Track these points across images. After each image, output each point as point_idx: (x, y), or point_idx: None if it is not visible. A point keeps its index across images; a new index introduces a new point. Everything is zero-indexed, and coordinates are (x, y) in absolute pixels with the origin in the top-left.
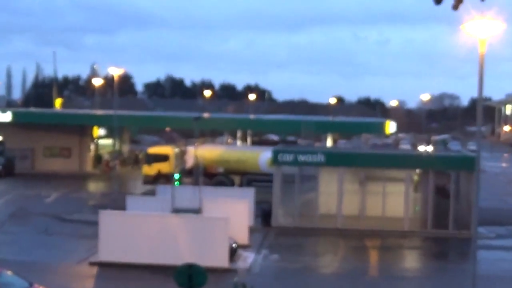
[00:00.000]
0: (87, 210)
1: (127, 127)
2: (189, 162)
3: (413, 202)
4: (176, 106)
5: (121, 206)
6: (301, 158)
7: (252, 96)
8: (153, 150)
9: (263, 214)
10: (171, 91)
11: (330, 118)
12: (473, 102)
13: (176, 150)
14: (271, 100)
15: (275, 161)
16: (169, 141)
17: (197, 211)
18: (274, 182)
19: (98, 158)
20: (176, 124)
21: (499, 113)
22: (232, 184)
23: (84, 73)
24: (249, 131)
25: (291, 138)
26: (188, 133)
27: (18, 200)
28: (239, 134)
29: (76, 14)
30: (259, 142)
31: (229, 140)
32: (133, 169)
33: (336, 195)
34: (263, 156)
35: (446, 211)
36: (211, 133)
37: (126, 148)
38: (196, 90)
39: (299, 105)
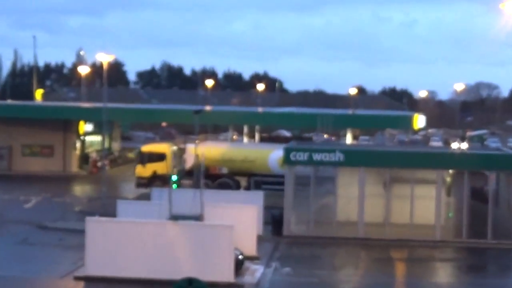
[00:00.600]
0: (72, 217)
1: (117, 122)
2: (189, 161)
3: (445, 208)
4: (173, 97)
5: (111, 212)
6: (317, 157)
7: (260, 86)
8: (148, 148)
9: (274, 221)
10: (168, 80)
11: (350, 111)
12: None
13: (174, 148)
14: (283, 91)
15: (287, 160)
16: (165, 137)
17: (198, 218)
18: (286, 184)
19: (84, 157)
20: (173, 118)
21: None
22: (237, 187)
23: (68, 60)
24: (257, 126)
25: (305, 134)
26: (188, 129)
27: None
28: (245, 129)
29: None
30: (269, 138)
31: (234, 137)
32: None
33: (357, 200)
34: (273, 155)
35: (483, 217)
36: (214, 129)
37: (116, 146)
38: (196, 79)
39: (314, 96)
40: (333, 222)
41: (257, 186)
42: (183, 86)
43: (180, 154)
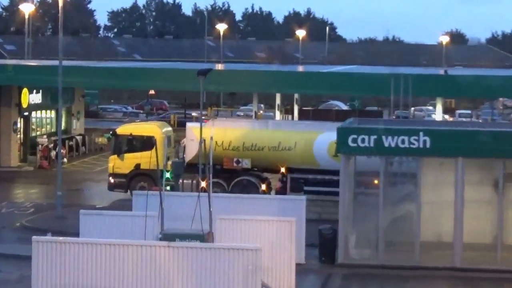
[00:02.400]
0: (11, 236)
1: (80, 89)
2: (190, 150)
3: None
4: (166, 51)
5: (71, 229)
6: (390, 142)
7: (300, 32)
8: (127, 129)
9: (323, 243)
10: (158, 24)
11: (441, 71)
12: None
13: (167, 129)
14: (336, 39)
15: (343, 148)
16: (154, 113)
17: (204, 237)
18: (342, 185)
19: (30, 144)
20: (166, 83)
21: None
22: (266, 189)
23: None
24: (297, 95)
25: (370, 107)
26: (189, 99)
27: None
28: (278, 100)
29: None
30: (315, 114)
31: (261, 112)
32: None
33: (453, 209)
34: (322, 140)
35: None
36: (229, 99)
37: (79, 126)
38: (202, 22)
39: (384, 48)
40: (415, 244)
41: (297, 187)
42: (181, 33)
43: (176, 138)
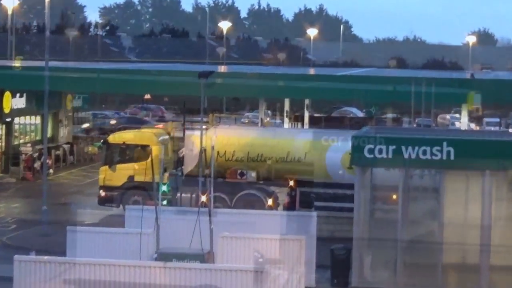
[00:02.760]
0: None
1: (68, 93)
2: (190, 160)
3: None
4: (164, 51)
5: (57, 247)
6: (410, 153)
7: (312, 31)
8: (120, 137)
9: (335, 263)
10: (155, 22)
11: (467, 74)
12: None
13: (164, 137)
14: (351, 39)
15: (357, 159)
16: (149, 120)
17: (204, 257)
18: (357, 200)
19: (13, 153)
20: (163, 87)
21: None
22: (273, 204)
23: None
24: (308, 101)
25: (388, 114)
26: (189, 105)
27: None
28: (287, 106)
29: None
30: (327, 121)
31: (267, 119)
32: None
33: (479, 228)
34: (334, 150)
35: None
36: (233, 105)
37: (66, 134)
38: (202, 18)
39: (405, 48)
40: (437, 266)
41: (307, 202)
42: (180, 32)
43: (174, 147)
